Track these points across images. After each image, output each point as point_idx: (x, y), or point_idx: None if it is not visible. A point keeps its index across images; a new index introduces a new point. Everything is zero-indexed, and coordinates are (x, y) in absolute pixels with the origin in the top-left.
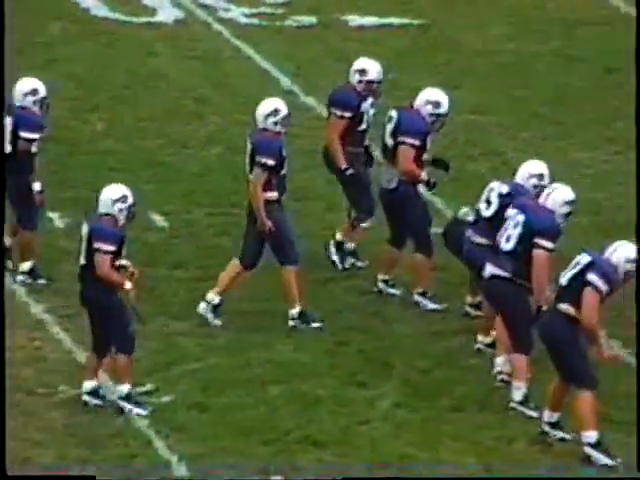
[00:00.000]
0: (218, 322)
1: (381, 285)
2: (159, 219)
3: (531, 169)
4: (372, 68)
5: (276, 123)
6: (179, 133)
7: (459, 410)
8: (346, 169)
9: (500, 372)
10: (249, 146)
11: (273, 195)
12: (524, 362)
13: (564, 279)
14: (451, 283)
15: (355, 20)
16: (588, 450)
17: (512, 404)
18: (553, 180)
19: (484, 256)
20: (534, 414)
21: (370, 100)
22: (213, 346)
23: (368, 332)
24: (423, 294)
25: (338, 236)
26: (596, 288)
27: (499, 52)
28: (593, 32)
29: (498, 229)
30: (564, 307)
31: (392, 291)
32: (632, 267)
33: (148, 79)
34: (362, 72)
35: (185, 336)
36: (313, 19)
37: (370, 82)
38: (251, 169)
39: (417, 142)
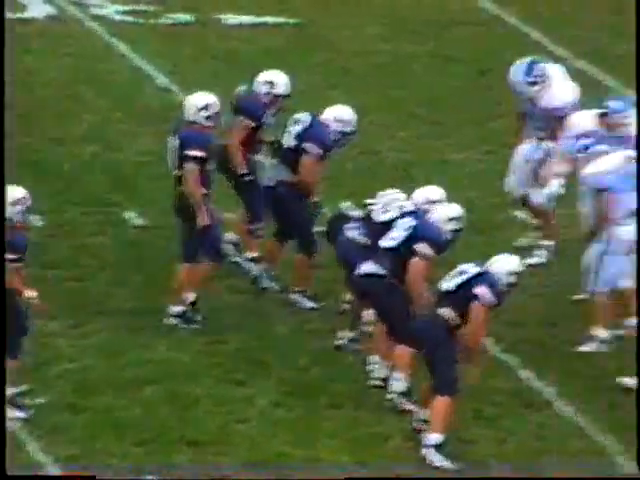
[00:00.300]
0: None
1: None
2: (34, 218)
3: (429, 195)
4: (281, 81)
5: (207, 117)
6: (54, 131)
7: (336, 407)
8: (245, 174)
9: (372, 371)
10: (176, 142)
11: (202, 190)
12: (407, 354)
13: (448, 284)
14: (329, 280)
15: (231, 18)
16: (425, 451)
17: (390, 395)
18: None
19: (359, 254)
20: (411, 407)
21: (272, 111)
22: (87, 346)
23: (246, 331)
24: (301, 292)
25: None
26: (485, 302)
27: (375, 52)
28: (467, 33)
29: (382, 234)
30: (445, 312)
31: (268, 284)
32: (514, 279)
33: (22, 76)
34: (271, 84)
35: (59, 336)
36: (189, 17)
37: (277, 96)
38: (180, 166)
39: (321, 153)
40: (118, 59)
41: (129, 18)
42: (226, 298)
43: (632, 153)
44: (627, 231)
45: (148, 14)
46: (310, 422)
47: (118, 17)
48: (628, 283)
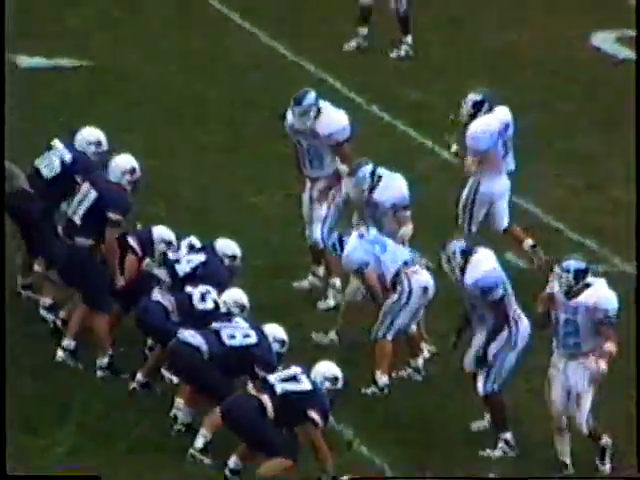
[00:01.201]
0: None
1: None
2: None
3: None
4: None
5: (129, 182)
6: None
7: (135, 453)
8: None
9: (176, 417)
10: (92, 194)
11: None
12: (218, 418)
13: (278, 384)
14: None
15: (24, 61)
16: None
17: (191, 450)
18: None
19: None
20: (209, 462)
21: None
22: None
23: (42, 376)
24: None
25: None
26: (318, 425)
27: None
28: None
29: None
30: (266, 401)
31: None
32: (332, 385)
33: None
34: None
35: None
36: None
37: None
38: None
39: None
40: None
41: None
42: (23, 342)
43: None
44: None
45: None
46: (109, 469)
47: None
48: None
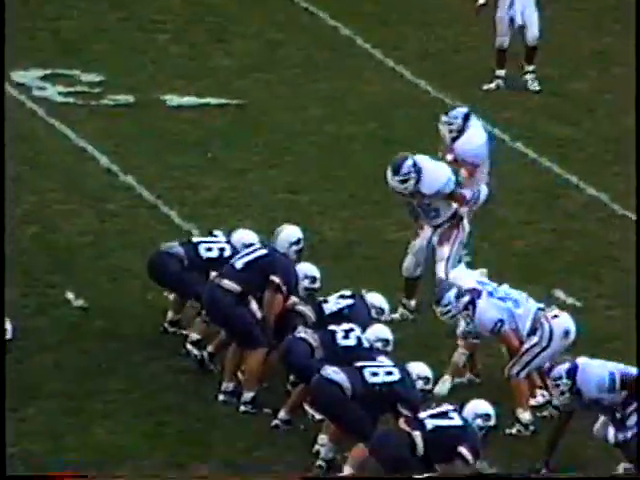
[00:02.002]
0: None
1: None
2: None
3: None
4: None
5: (297, 252)
6: None
7: None
8: None
9: (318, 452)
10: (262, 251)
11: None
12: (362, 455)
13: (429, 420)
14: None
15: (173, 99)
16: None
17: None
18: None
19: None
20: None
21: None
22: (25, 430)
23: (187, 412)
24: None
25: (170, 315)
26: (468, 462)
27: (317, 133)
28: (407, 114)
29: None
30: (417, 439)
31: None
32: (485, 423)
33: None
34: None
35: None
36: (130, 98)
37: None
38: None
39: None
40: (59, 140)
41: (70, 99)
42: (167, 378)
43: None
44: None
45: (89, 95)
46: None
47: (59, 98)
48: None
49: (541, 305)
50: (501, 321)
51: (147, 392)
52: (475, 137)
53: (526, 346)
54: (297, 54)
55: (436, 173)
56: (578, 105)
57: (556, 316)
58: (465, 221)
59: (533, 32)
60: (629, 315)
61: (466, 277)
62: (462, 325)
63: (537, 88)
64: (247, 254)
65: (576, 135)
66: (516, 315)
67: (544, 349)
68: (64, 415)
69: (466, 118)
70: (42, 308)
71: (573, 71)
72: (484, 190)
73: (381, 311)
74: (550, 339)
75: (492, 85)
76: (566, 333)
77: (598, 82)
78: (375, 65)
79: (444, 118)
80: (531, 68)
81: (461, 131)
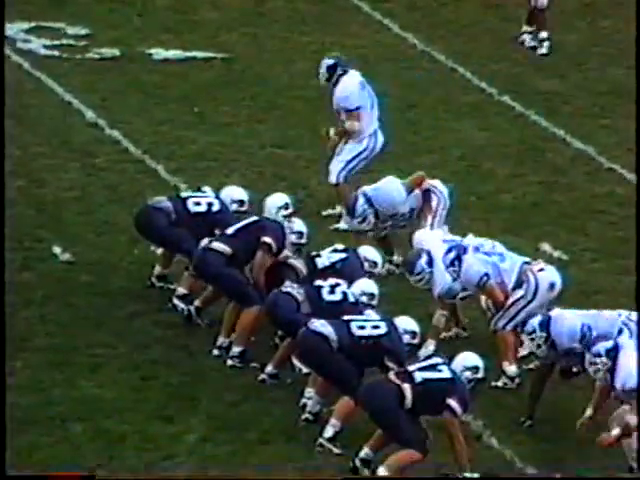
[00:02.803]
0: None
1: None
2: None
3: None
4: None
5: (286, 216)
6: None
7: (266, 443)
8: None
9: (305, 405)
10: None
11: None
12: (349, 407)
13: (417, 372)
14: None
15: (159, 53)
16: None
17: (321, 440)
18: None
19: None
20: (339, 452)
21: None
22: (11, 384)
23: (174, 366)
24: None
25: (157, 270)
26: (457, 414)
27: (304, 87)
28: (395, 69)
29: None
30: (406, 390)
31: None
32: (473, 374)
33: None
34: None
35: None
36: (116, 51)
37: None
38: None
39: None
40: (45, 94)
41: (55, 52)
42: (155, 333)
43: None
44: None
45: (75, 48)
46: (239, 458)
47: (44, 51)
48: None
49: (526, 259)
50: (487, 275)
51: (133, 346)
52: (343, 84)
53: (512, 299)
54: (284, 7)
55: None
56: (566, 58)
57: (541, 269)
58: (434, 190)
59: None
60: (614, 267)
61: (430, 238)
62: (438, 287)
63: (544, 51)
64: (239, 223)
65: (563, 88)
66: (501, 269)
67: (530, 302)
68: (50, 369)
69: (331, 68)
70: (28, 262)
71: (561, 24)
72: (380, 138)
73: (374, 264)
74: (535, 292)
75: (543, 50)
76: (551, 286)
77: (587, 35)
78: (362, 18)
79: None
80: (530, 29)
81: (332, 82)
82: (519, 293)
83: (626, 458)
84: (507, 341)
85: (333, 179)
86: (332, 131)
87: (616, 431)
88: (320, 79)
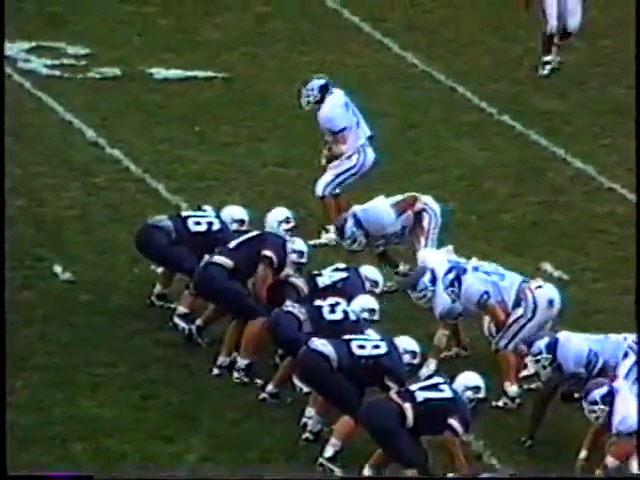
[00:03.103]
0: None
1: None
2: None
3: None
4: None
5: (287, 230)
6: None
7: (267, 462)
8: None
9: (305, 425)
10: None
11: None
12: (349, 426)
13: (419, 392)
14: None
15: (160, 72)
16: None
17: (321, 459)
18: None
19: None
20: (339, 471)
21: None
22: (11, 403)
23: (174, 385)
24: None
25: (157, 289)
26: (458, 434)
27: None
28: (396, 88)
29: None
30: (407, 410)
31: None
32: (474, 394)
33: None
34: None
35: None
36: (116, 71)
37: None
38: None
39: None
40: (46, 113)
41: (56, 72)
42: (155, 352)
43: None
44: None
45: (76, 68)
46: (240, 477)
47: (45, 71)
48: None
49: (525, 277)
50: (487, 293)
51: (134, 365)
52: (328, 104)
53: (512, 319)
54: (285, 27)
55: None
56: (566, 78)
57: (539, 287)
58: (426, 209)
59: (576, 20)
60: (615, 287)
61: (434, 257)
62: (439, 307)
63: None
64: (240, 237)
65: (563, 108)
66: (501, 287)
67: (529, 320)
68: (51, 388)
69: (324, 88)
70: (29, 281)
71: (561, 43)
72: (370, 154)
73: (375, 284)
74: (535, 310)
75: (545, 72)
76: (550, 303)
77: (587, 54)
78: (362, 38)
79: (302, 91)
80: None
81: (318, 102)
82: (519, 312)
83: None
84: (509, 361)
85: (319, 192)
86: (324, 152)
87: (598, 472)
88: (309, 101)
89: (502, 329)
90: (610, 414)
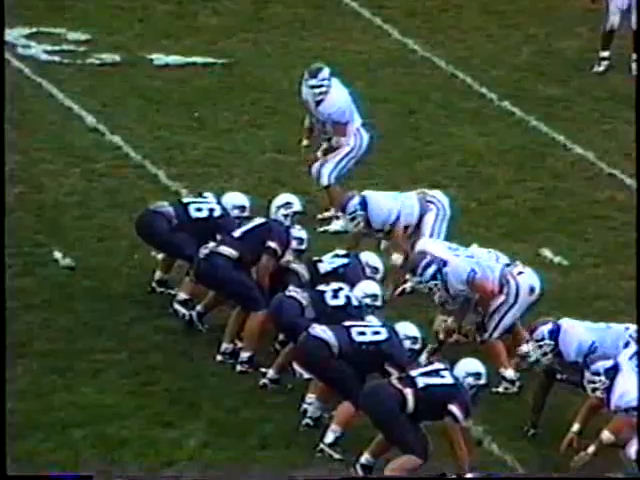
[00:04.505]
0: None
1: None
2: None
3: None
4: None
5: (286, 216)
6: None
7: (266, 448)
8: None
9: (305, 411)
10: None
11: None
12: (350, 412)
13: (419, 378)
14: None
15: (160, 59)
16: None
17: (321, 445)
18: None
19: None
20: (339, 457)
21: None
22: (11, 389)
23: (174, 372)
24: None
25: (158, 275)
26: (459, 420)
27: None
28: (396, 74)
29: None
30: (408, 395)
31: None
32: (476, 381)
33: None
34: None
35: None
36: (116, 57)
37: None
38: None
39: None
40: (45, 99)
41: (56, 58)
42: (155, 339)
43: None
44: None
45: (75, 54)
46: (240, 463)
47: (45, 57)
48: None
49: (507, 261)
50: (473, 271)
51: (134, 351)
52: (336, 95)
53: (493, 307)
54: (284, 13)
55: None
56: (566, 64)
57: (521, 272)
58: (434, 202)
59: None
60: (615, 273)
61: (434, 246)
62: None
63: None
64: (245, 225)
65: (564, 94)
66: (485, 266)
67: (512, 306)
68: (51, 374)
69: (331, 75)
70: (29, 268)
71: (562, 29)
72: (365, 136)
73: (375, 270)
74: (517, 295)
75: (601, 68)
76: (531, 289)
77: (587, 41)
78: (363, 23)
79: (312, 81)
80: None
81: (326, 93)
82: (501, 298)
83: (625, 465)
84: (495, 349)
85: (325, 181)
86: (305, 142)
87: (591, 449)
88: (322, 92)
89: (485, 318)
90: (609, 390)
